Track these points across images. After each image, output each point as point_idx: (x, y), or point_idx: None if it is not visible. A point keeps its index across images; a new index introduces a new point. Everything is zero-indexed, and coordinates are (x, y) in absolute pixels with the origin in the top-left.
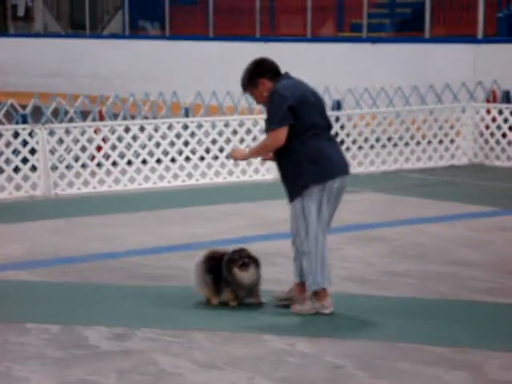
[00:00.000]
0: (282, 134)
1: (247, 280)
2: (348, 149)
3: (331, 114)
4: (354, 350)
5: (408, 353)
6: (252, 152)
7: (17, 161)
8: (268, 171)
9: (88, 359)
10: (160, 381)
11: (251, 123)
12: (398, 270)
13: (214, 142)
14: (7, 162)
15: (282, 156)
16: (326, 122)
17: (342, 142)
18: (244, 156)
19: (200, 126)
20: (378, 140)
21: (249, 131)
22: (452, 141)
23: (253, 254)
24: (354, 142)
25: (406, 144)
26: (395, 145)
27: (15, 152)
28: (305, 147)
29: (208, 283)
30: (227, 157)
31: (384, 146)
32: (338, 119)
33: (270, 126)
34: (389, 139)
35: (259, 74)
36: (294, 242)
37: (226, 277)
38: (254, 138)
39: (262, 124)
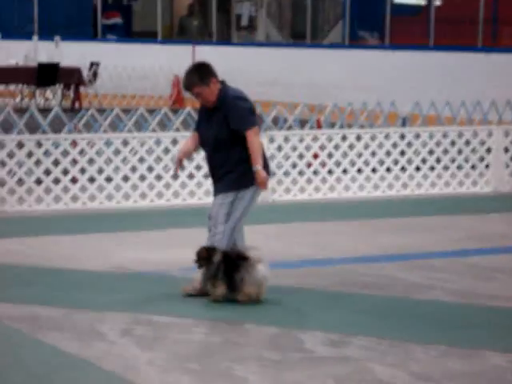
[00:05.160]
0: (259, 130)
1: None
2: None
3: None
4: None
5: None
6: (261, 163)
7: None
8: (486, 184)
9: (305, 363)
10: None
11: (470, 134)
12: None
13: (431, 152)
14: None
15: (222, 152)
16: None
17: None
18: (266, 175)
19: (417, 136)
20: None
21: (467, 142)
22: None
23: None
24: None
25: None
26: None
27: None
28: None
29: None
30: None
31: None
32: None
33: (249, 126)
34: None
35: (212, 74)
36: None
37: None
38: (473, 149)
39: (483, 135)
